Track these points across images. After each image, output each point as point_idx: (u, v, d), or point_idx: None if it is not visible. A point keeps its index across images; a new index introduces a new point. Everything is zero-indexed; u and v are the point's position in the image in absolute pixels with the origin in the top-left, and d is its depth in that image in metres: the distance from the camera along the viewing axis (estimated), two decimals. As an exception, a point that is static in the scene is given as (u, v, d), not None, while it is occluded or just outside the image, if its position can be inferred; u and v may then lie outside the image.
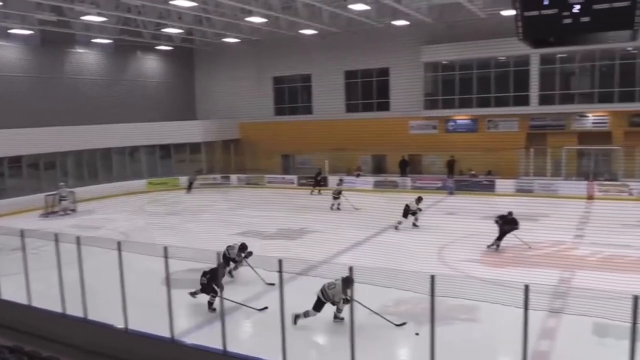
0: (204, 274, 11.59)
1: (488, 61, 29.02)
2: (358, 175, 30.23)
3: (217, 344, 8.36)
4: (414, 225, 19.68)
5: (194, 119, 37.48)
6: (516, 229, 15.84)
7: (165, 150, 34.19)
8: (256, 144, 34.41)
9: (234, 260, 13.76)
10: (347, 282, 10.00)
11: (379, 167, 32.25)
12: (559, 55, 27.53)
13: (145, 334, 9.14)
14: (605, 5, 6.54)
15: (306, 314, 10.53)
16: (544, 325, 10.19)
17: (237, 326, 10.85)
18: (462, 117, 30.43)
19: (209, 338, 9.12)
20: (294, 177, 32.69)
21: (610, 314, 9.37)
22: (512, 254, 15.84)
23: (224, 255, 13.19)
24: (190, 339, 9.44)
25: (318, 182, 29.46)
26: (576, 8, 6.68)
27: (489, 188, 27.28)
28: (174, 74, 38.19)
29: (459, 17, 26.99)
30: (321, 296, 10.52)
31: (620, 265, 14.13)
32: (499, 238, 16.08)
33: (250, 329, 11.14)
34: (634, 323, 6.28)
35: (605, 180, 26.06)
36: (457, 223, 19.28)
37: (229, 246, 13.79)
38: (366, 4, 24.79)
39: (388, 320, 10.32)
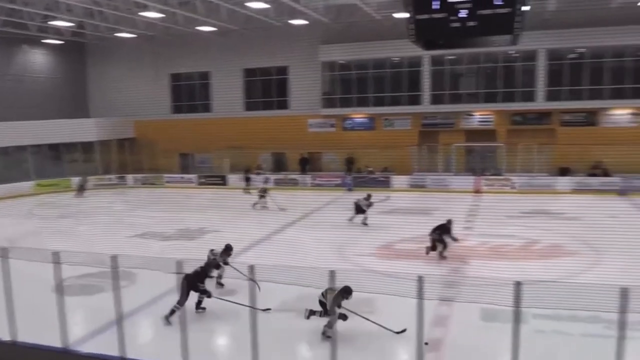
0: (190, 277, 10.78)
1: (383, 61, 30.01)
2: (259, 174, 30.19)
3: (115, 351, 8.08)
4: (350, 220, 19.67)
5: (86, 116, 35.71)
6: (448, 235, 14.76)
7: (56, 149, 32.28)
8: (153, 142, 33.37)
9: (218, 265, 12.65)
10: (345, 292, 9.51)
11: (279, 165, 32.38)
12: (448, 57, 28.99)
13: (35, 345, 8.65)
14: (489, 11, 6.95)
15: (330, 325, 9.57)
16: (437, 313, 10.71)
17: (138, 330, 10.54)
18: (359, 115, 31.24)
19: (106, 345, 8.78)
20: (194, 177, 32.09)
21: (496, 299, 10.06)
22: (407, 246, 16.46)
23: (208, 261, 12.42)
24: (86, 348, 9.05)
25: (248, 180, 28.89)
26: (463, 13, 7.06)
27: (385, 184, 28.21)
28: (64, 69, 36.17)
29: (355, 17, 27.65)
30: (322, 298, 9.87)
31: (506, 253, 15.15)
32: (445, 247, 14.82)
33: (151, 332, 10.85)
34: (517, 307, 6.75)
35: (491, 175, 27.77)
36: (356, 218, 19.78)
37: (212, 250, 12.93)
38: (264, 2, 24.78)
39: (386, 329, 9.94)
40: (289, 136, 30.89)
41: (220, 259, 12.69)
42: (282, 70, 32.20)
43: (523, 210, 20.84)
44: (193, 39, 32.01)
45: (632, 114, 27.43)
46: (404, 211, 21.51)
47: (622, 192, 24.84)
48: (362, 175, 29.11)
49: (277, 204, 22.61)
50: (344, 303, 9.53)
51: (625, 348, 6.45)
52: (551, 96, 27.68)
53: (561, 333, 9.96)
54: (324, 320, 9.87)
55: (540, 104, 27.87)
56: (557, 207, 21.51)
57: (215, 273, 12.53)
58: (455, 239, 14.74)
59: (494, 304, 9.36)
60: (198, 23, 28.75)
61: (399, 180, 28.25)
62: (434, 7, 7.25)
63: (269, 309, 11.08)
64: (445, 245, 14.74)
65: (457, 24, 7.14)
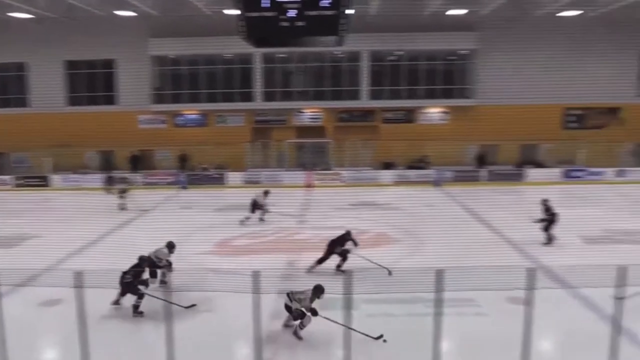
0: (125, 273, 10.75)
1: (215, 57, 29.81)
2: (86, 173, 28.33)
3: None
4: (261, 219, 19.11)
5: None
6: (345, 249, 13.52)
7: None
8: (-41, 141, 29.67)
9: (160, 266, 12.24)
10: (319, 291, 9.62)
11: (107, 164, 30.63)
12: (278, 55, 29.62)
13: None
14: (316, 13, 7.25)
15: (302, 326, 9.70)
16: (276, 307, 10.96)
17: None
18: (191, 111, 30.69)
19: None
20: (9, 178, 29.12)
21: (331, 288, 10.53)
22: (244, 242, 16.61)
23: (152, 263, 12.07)
24: None
25: (110, 179, 26.40)
26: (292, 13, 7.29)
27: (219, 181, 28.08)
28: None
29: (185, 12, 27.03)
30: (288, 302, 9.77)
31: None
32: (344, 260, 13.42)
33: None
34: (349, 294, 7.15)
35: (321, 169, 28.94)
36: (191, 217, 19.48)
37: (157, 249, 12.39)
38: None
39: (364, 334, 9.52)
40: (118, 133, 29.34)
41: (165, 257, 12.37)
42: (109, 64, 30.46)
43: (352, 203, 22.04)
44: (6, 26, 28.97)
45: (443, 112, 30.28)
46: (239, 207, 21.60)
47: (436, 183, 27.35)
48: (196, 173, 28.66)
49: (136, 204, 21.48)
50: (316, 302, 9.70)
51: (442, 323, 7.15)
52: (374, 95, 29.62)
53: (389, 315, 10.74)
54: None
55: (364, 102, 29.68)
56: (382, 199, 23.05)
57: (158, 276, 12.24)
58: (356, 244, 13.51)
59: (330, 293, 9.85)
60: (11, 9, 26.06)
61: (233, 177, 28.28)
62: (263, 5, 7.39)
63: (194, 305, 10.98)
64: (345, 258, 13.38)
65: (286, 23, 7.36)
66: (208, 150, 28.40)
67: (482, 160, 29.06)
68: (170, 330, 7.30)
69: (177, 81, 30.32)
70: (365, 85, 29.45)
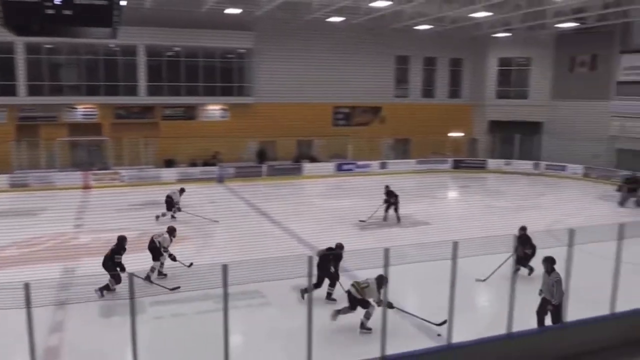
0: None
1: (-33, 45, 26.10)
2: None
3: None
4: (173, 217, 18.71)
5: None
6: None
7: None
8: None
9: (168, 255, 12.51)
10: (382, 280, 8.88)
11: None
12: (46, 46, 27.04)
13: None
14: (86, 2, 6.83)
15: (367, 316, 9.84)
16: (55, 319, 10.19)
17: None
18: (-62, 106, 26.51)
19: None
20: None
21: (111, 294, 10.04)
22: (12, 252, 15.05)
23: (153, 247, 12.47)
24: None
25: None
26: (58, 0, 6.77)
27: (-21, 185, 24.82)
28: None
29: None
30: (355, 293, 9.84)
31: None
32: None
33: None
34: (132, 298, 6.92)
35: (99, 169, 27.24)
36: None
37: (160, 236, 12.70)
38: None
39: (428, 321, 9.86)
40: None
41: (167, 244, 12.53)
42: None
43: (133, 203, 21.22)
44: None
45: (223, 109, 30.60)
46: (5, 214, 19.46)
47: (220, 180, 27.62)
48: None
49: None
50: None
51: (230, 317, 7.32)
52: (152, 91, 28.68)
53: (178, 315, 10.64)
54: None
55: (142, 98, 28.59)
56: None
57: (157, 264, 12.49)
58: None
59: (110, 299, 9.45)
60: None
61: (-3, 180, 25.19)
62: (25, -11, 6.76)
63: (178, 287, 11.34)
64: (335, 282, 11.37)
65: (52, 11, 6.81)
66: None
67: (262, 156, 30.07)
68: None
69: None
70: (142, 81, 28.37)
